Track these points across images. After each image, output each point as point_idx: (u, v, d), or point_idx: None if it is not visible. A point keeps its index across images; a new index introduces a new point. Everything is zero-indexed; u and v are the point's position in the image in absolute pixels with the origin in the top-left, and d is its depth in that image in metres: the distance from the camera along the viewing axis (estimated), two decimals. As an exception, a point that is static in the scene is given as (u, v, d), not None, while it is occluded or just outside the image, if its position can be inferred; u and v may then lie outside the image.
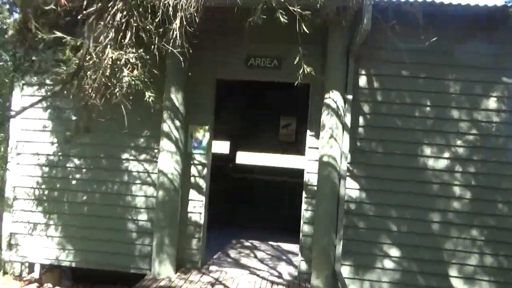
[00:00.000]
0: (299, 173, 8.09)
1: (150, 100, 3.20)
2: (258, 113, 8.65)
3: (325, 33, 4.67)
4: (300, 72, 3.01)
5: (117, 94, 3.07)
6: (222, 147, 9.32)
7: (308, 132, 4.98)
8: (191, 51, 3.43)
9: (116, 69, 2.91)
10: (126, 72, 2.89)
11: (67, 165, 5.32)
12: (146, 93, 3.10)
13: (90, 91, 2.93)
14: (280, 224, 7.35)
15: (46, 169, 5.36)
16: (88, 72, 2.83)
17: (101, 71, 2.71)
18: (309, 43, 4.88)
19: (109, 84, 2.97)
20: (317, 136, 4.85)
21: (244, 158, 10.14)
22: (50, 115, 5.31)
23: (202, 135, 5.14)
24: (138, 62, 3.00)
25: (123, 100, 3.11)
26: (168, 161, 4.73)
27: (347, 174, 4.70)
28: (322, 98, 4.67)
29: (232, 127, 8.84)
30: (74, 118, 5.20)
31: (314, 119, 4.92)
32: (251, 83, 5.57)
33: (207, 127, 5.14)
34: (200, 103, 5.14)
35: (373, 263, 4.79)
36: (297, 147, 8.54)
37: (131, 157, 5.22)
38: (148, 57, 3.10)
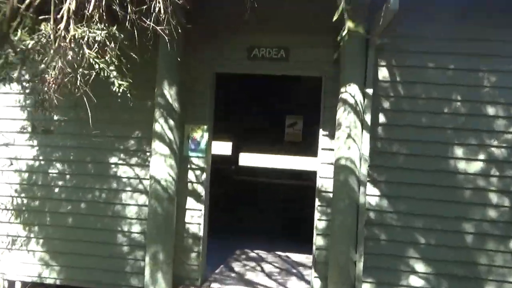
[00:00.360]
0: (307, 175, 7.59)
1: (120, 90, 2.58)
2: (262, 111, 8.07)
3: (339, 19, 4.07)
4: (343, 33, 2.33)
5: (78, 83, 2.44)
6: (223, 148, 8.73)
7: (321, 132, 4.37)
8: (179, 30, 2.83)
9: (77, 50, 2.30)
10: (87, 53, 2.26)
11: (49, 170, 4.74)
12: (116, 81, 2.48)
13: (49, 80, 2.32)
14: (288, 231, 6.78)
15: (26, 175, 4.78)
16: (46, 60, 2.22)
17: (52, 51, 2.11)
18: (320, 33, 4.34)
19: (69, 70, 2.34)
20: (331, 136, 4.26)
21: (248, 159, 9.55)
22: (30, 115, 4.72)
23: (200, 135, 4.54)
24: (111, 43, 2.38)
25: (87, 92, 2.49)
26: (161, 165, 4.14)
27: (367, 179, 4.10)
28: (336, 93, 4.08)
29: (234, 126, 8.26)
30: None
31: (328, 117, 4.32)
32: (255, 77, 5.00)
33: (205, 126, 4.54)
34: (198, 99, 4.55)
35: (397, 280, 4.19)
36: (304, 148, 7.96)
37: (121, 162, 4.63)
38: (122, 35, 2.47)
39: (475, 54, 4.12)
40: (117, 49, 2.51)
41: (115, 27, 2.37)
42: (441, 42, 4.12)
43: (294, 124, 8.17)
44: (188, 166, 4.56)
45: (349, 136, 3.87)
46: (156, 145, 4.16)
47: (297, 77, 5.12)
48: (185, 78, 4.35)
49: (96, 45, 2.30)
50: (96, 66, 2.32)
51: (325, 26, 4.31)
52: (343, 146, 3.89)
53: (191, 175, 4.56)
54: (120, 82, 2.48)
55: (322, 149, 4.36)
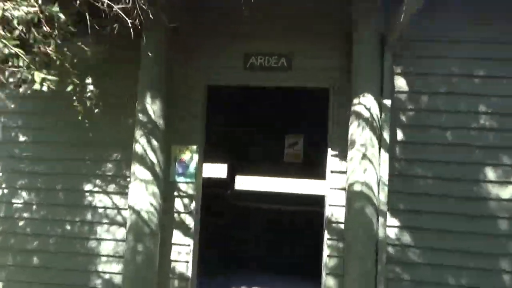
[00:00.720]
0: (311, 199, 6.90)
1: (43, 88, 1.93)
2: (259, 129, 7.46)
3: (349, 21, 3.52)
4: None
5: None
6: (217, 170, 8.08)
7: (330, 152, 3.75)
8: (150, 16, 2.24)
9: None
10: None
11: (13, 200, 4.08)
12: (37, 74, 1.82)
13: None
14: (291, 264, 6.07)
15: (-15, 206, 4.12)
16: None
17: None
18: (328, 38, 3.80)
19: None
20: (342, 156, 3.65)
21: (245, 183, 8.91)
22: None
23: (189, 157, 3.91)
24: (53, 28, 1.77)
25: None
26: (141, 193, 3.49)
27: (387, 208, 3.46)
28: (346, 105, 3.50)
29: (228, 147, 7.63)
30: None
31: (337, 134, 3.72)
32: (252, 91, 4.42)
33: (195, 147, 3.91)
34: (186, 116, 3.94)
35: (424, 330, 3.51)
36: (306, 169, 7.34)
37: (96, 189, 3.98)
38: (64, 18, 1.86)
39: (508, 59, 3.56)
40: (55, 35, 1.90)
41: (56, 6, 1.76)
42: (468, 45, 3.57)
43: (295, 144, 7.55)
44: (175, 193, 3.91)
45: (364, 156, 3.25)
46: (136, 169, 3.53)
47: (305, 87, 4.49)
48: (172, 92, 3.77)
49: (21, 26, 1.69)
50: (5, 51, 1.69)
51: (332, 29, 3.83)
52: (358, 168, 3.26)
53: (178, 204, 3.91)
54: (45, 76, 1.82)
55: (332, 171, 3.73)
